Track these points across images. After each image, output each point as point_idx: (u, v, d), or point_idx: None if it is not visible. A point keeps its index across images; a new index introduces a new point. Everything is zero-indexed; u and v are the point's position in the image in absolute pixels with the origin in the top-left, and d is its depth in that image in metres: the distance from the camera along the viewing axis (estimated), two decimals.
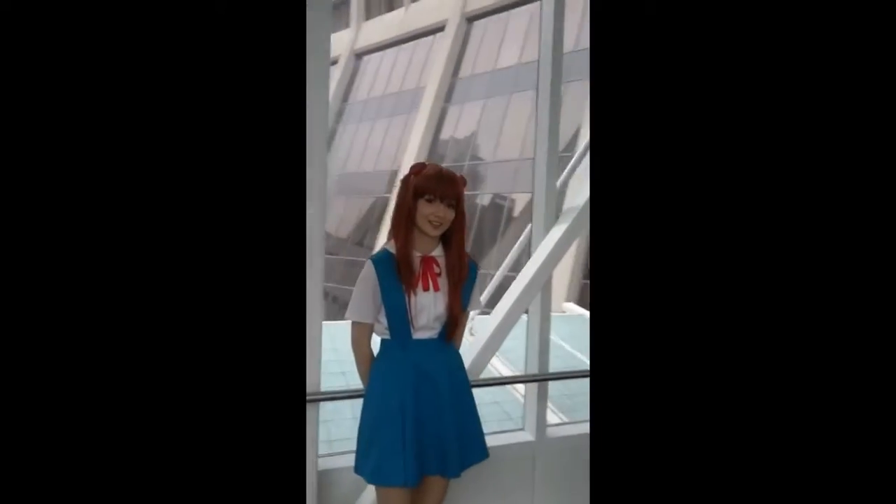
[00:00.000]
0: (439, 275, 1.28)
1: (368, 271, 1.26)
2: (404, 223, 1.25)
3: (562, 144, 2.00)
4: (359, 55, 16.66)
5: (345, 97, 16.26)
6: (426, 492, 1.32)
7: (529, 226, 2.08)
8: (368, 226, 13.63)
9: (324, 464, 1.53)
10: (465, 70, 13.66)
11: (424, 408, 1.26)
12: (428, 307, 1.26)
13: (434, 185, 1.23)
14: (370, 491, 1.47)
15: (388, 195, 12.85)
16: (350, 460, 1.33)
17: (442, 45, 13.88)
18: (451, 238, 1.29)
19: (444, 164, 1.35)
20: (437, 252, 1.29)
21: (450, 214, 1.24)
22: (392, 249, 1.27)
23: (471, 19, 13.74)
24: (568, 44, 2.05)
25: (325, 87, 1.42)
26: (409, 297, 1.24)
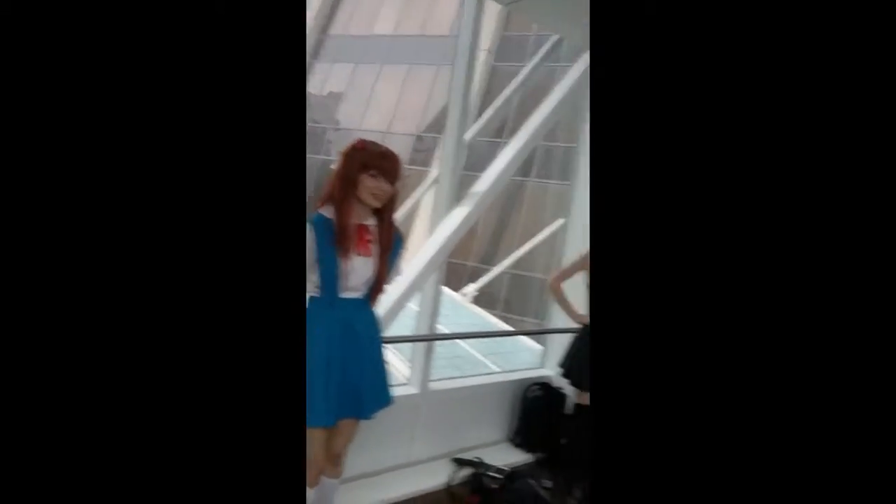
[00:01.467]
0: (370, 242, 1.42)
1: (307, 232, 1.35)
2: (345, 193, 1.36)
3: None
4: None
5: None
6: (340, 431, 1.48)
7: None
8: None
9: None
10: (337, 28, 13.15)
11: (347, 358, 1.41)
12: (358, 270, 1.39)
13: (379, 162, 1.35)
14: None
15: None
16: None
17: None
18: (384, 210, 1.44)
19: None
20: (370, 221, 1.43)
21: (390, 189, 1.39)
22: (328, 215, 1.37)
23: None
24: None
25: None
26: (344, 260, 1.36)
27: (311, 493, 1.44)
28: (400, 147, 11.59)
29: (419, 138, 11.61)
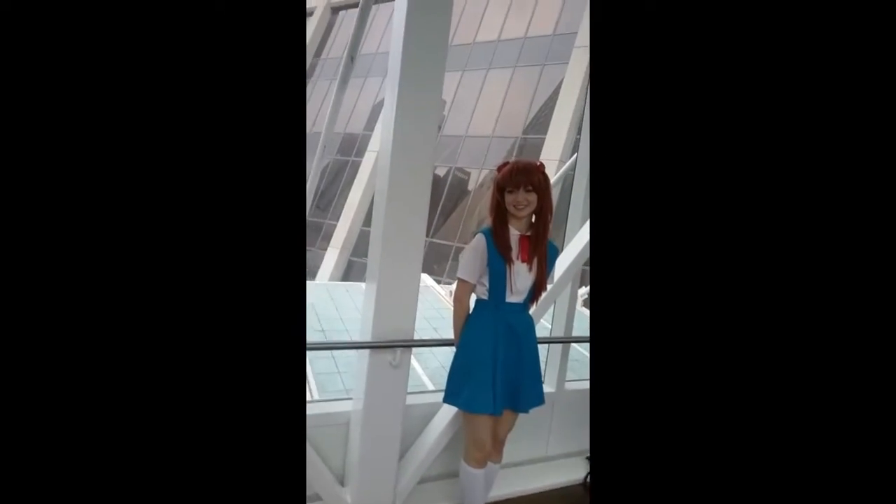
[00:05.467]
0: (531, 251, 1.59)
1: (479, 241, 1.55)
2: (496, 210, 1.57)
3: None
4: None
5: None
6: (502, 421, 1.66)
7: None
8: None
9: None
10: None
11: (509, 357, 1.59)
12: (521, 277, 1.57)
13: (510, 178, 1.54)
14: (442, 416, 1.82)
15: None
16: None
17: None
18: (537, 220, 1.60)
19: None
20: (531, 232, 1.60)
21: (531, 197, 1.54)
22: (493, 228, 1.57)
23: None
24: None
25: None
26: (509, 266, 1.54)
27: (479, 474, 1.63)
28: (503, 149, 11.73)
29: (522, 140, 11.66)
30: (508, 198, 1.54)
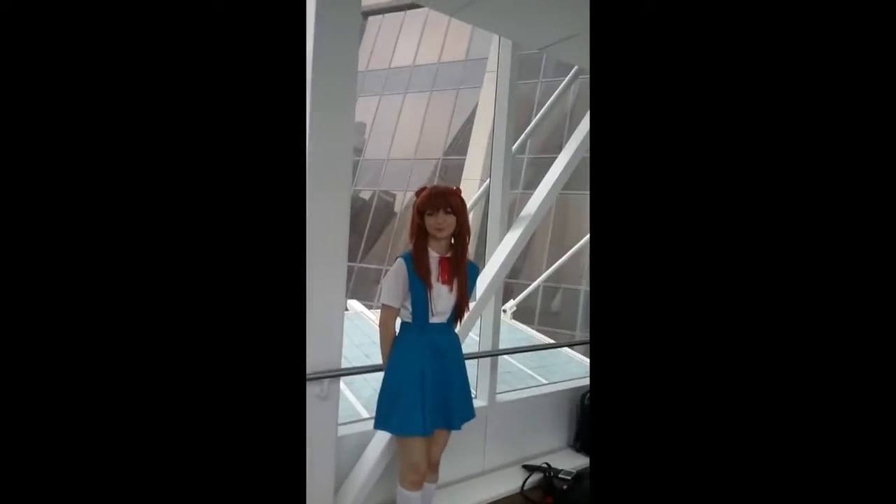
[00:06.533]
0: (450, 272, 1.64)
1: (400, 266, 1.58)
2: (416, 233, 1.62)
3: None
4: None
5: None
6: (435, 441, 1.68)
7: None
8: None
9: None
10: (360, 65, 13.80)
11: (437, 376, 1.62)
12: (442, 298, 1.62)
13: (429, 202, 1.60)
14: (376, 444, 1.80)
15: None
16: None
17: None
18: (456, 241, 1.67)
19: None
20: (450, 253, 1.66)
21: (449, 219, 1.60)
22: (413, 252, 1.61)
23: (365, 14, 13.86)
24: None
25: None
26: (429, 290, 1.59)
27: (417, 496, 1.64)
28: (426, 171, 11.92)
29: (443, 161, 11.93)
30: (429, 220, 1.59)
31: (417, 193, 1.65)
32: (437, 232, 1.60)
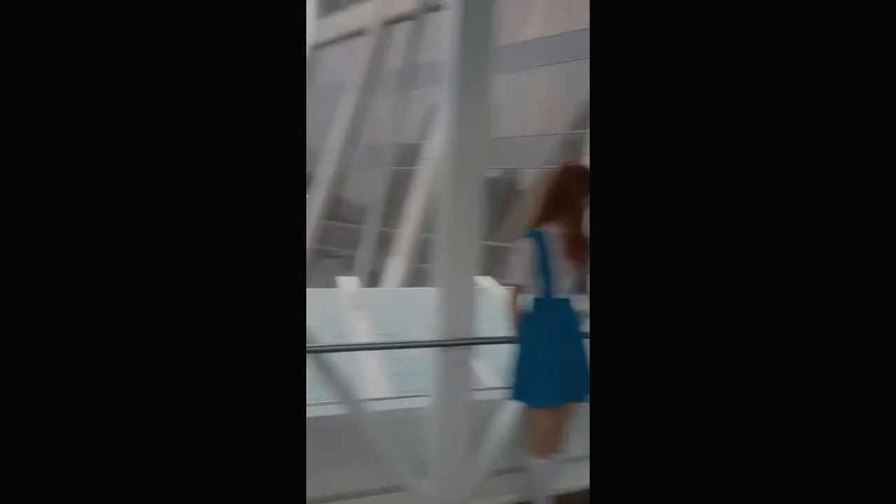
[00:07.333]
0: (577, 249, 1.66)
1: (528, 244, 1.64)
2: (565, 206, 1.63)
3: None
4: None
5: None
6: (564, 413, 1.73)
7: None
8: None
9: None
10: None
11: (565, 350, 1.66)
12: (570, 274, 1.64)
13: (581, 183, 1.62)
14: (508, 411, 1.90)
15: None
16: None
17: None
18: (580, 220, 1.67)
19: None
20: (575, 230, 1.67)
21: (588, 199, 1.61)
22: (541, 230, 1.65)
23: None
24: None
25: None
26: (559, 266, 1.62)
27: (546, 465, 1.71)
28: (551, 147, 11.63)
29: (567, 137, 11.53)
30: (580, 202, 1.62)
31: (559, 171, 1.67)
32: (583, 213, 1.62)
